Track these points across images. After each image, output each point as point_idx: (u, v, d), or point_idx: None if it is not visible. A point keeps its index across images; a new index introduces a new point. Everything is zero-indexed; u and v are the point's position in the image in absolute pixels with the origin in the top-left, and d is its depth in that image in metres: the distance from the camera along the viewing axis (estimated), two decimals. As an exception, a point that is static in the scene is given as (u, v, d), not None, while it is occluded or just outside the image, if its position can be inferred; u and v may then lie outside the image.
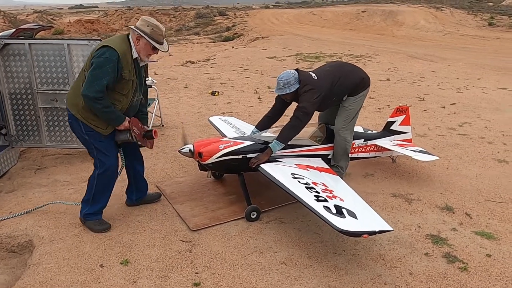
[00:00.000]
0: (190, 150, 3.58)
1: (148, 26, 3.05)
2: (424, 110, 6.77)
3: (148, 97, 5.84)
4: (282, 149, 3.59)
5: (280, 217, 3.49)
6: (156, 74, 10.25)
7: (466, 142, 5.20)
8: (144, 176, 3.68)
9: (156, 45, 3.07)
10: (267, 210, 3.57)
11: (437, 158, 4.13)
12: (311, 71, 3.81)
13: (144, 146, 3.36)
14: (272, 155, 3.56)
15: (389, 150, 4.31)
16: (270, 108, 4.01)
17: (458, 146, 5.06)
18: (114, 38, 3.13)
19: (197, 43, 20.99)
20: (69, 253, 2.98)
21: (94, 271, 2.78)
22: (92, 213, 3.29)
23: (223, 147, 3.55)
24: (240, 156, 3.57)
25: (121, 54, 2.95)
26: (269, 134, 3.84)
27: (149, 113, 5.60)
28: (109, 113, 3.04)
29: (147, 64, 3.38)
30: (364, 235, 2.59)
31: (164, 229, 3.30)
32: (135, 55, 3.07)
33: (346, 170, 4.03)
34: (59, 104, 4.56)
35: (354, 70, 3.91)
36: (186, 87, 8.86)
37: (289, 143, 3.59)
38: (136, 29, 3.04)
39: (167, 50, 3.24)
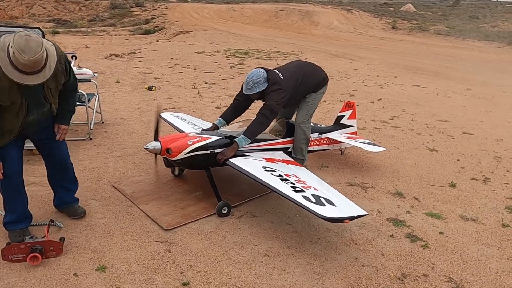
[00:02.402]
0: (156, 146, 3.43)
1: (12, 46, 2.31)
2: (357, 105, 7.28)
3: (88, 92, 5.50)
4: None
5: (250, 211, 3.53)
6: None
7: (400, 134, 5.75)
8: (65, 184, 3.24)
9: (11, 76, 2.36)
10: (236, 205, 3.58)
11: (384, 149, 4.52)
12: (275, 70, 3.89)
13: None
14: (238, 150, 3.59)
15: (341, 142, 4.59)
16: (233, 100, 3.98)
17: (393, 138, 5.57)
18: None
19: (115, 35, 19.86)
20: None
21: (69, 281, 2.55)
22: (11, 221, 2.95)
23: (191, 142, 3.47)
24: (209, 151, 3.53)
25: None
26: (234, 129, 3.85)
27: (89, 109, 5.24)
28: None
29: (67, 59, 2.75)
30: (346, 220, 2.76)
31: (135, 231, 3.14)
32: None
33: (305, 162, 4.21)
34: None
35: (316, 70, 4.10)
36: (118, 82, 8.37)
37: None
38: None
39: (35, 84, 2.46)
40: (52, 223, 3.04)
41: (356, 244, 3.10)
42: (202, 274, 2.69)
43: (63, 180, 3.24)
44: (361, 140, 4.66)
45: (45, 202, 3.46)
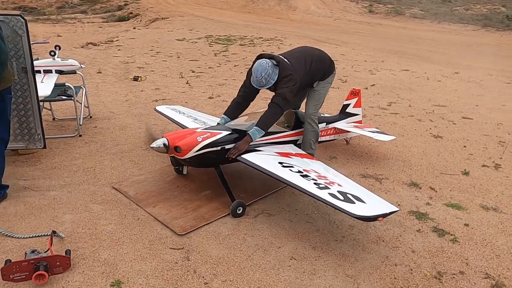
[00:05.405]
0: (164, 144, 3.15)
1: None
2: (352, 92, 7.14)
3: (75, 85, 5.09)
4: None
5: (265, 209, 3.32)
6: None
7: (401, 121, 5.63)
8: None
9: None
10: (250, 203, 3.36)
11: (394, 137, 4.38)
12: (281, 55, 3.63)
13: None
14: (251, 143, 3.35)
15: (348, 132, 4.42)
16: (238, 93, 3.72)
17: (396, 125, 5.45)
18: None
19: (88, 22, 18.94)
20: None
21: (82, 300, 2.28)
22: None
23: (201, 138, 3.21)
24: (219, 148, 3.28)
25: None
26: (242, 122, 3.60)
27: (77, 103, 4.86)
28: None
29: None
30: (380, 218, 2.59)
31: (146, 238, 2.87)
32: None
33: (315, 154, 4.01)
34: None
35: (322, 55, 3.86)
36: (100, 72, 7.90)
37: None
38: None
39: None
40: (55, 234, 2.74)
41: (383, 241, 2.94)
42: (228, 284, 2.47)
43: None
44: (369, 129, 4.50)
45: (41, 209, 3.14)
